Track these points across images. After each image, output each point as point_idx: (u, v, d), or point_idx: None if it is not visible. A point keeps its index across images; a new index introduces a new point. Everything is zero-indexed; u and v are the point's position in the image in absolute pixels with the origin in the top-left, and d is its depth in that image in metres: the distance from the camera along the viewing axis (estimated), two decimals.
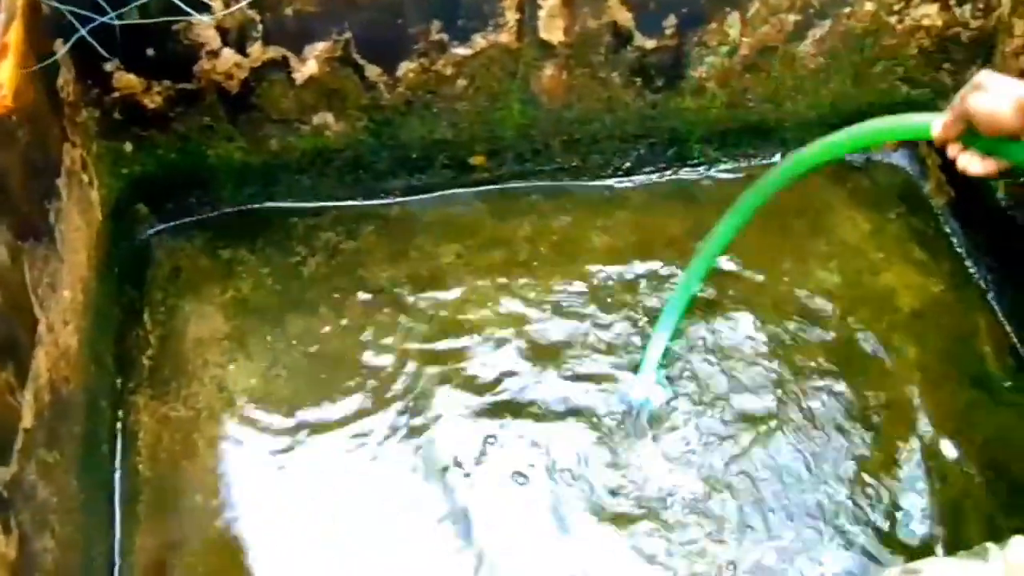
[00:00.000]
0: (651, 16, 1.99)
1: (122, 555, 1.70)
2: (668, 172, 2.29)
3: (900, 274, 2.16)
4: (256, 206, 2.15)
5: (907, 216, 2.26)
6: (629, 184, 2.27)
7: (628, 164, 2.26)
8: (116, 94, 1.90)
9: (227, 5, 1.78)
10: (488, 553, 1.71)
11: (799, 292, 2.11)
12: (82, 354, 1.72)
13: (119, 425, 1.85)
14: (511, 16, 1.92)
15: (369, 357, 1.95)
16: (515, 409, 1.89)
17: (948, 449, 1.89)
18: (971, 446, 1.91)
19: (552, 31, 1.96)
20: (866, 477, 1.84)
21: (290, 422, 1.87)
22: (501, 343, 1.98)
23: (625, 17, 1.98)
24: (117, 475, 1.79)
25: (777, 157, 2.32)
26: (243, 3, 1.77)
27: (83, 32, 1.60)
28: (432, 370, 1.94)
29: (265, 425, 1.86)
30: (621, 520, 1.76)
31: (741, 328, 2.04)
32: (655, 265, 2.13)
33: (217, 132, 2.00)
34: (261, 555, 1.70)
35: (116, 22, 1.60)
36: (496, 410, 1.89)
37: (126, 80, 1.88)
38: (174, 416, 1.87)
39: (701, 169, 2.30)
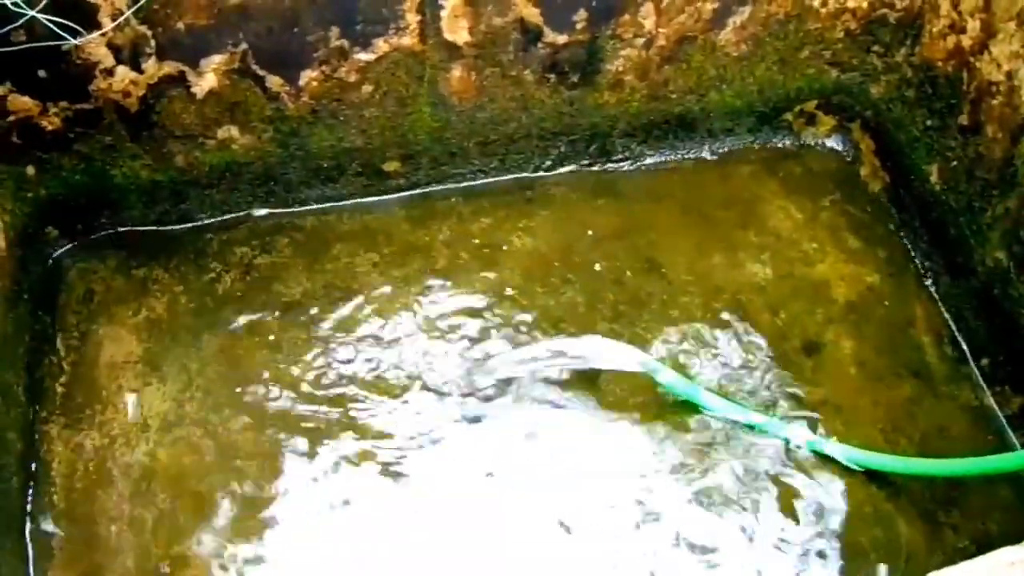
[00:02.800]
0: (559, 11, 1.93)
1: None
2: (592, 168, 2.22)
3: (835, 264, 2.10)
4: (168, 223, 2.10)
5: (841, 203, 2.20)
6: (551, 183, 2.20)
7: (549, 162, 2.19)
8: (12, 117, 1.84)
9: (115, 20, 1.73)
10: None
11: (729, 287, 2.05)
12: None
13: (34, 455, 1.81)
14: (412, 18, 1.86)
15: (284, 373, 1.90)
16: (434, 420, 1.85)
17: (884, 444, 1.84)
18: (910, 441, 1.87)
19: (456, 31, 1.90)
20: (802, 474, 1.80)
21: (205, 445, 1.82)
22: (420, 354, 1.94)
23: (532, 13, 1.92)
24: (29, 507, 1.75)
25: (704, 149, 2.25)
26: (128, 13, 1.72)
27: None
28: (350, 385, 1.89)
29: (180, 448, 1.82)
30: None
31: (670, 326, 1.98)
32: (579, 265, 2.07)
33: (120, 151, 1.95)
34: None
35: None
36: (417, 422, 1.85)
37: (20, 103, 1.83)
38: (88, 444, 1.83)
39: (626, 164, 2.23)
